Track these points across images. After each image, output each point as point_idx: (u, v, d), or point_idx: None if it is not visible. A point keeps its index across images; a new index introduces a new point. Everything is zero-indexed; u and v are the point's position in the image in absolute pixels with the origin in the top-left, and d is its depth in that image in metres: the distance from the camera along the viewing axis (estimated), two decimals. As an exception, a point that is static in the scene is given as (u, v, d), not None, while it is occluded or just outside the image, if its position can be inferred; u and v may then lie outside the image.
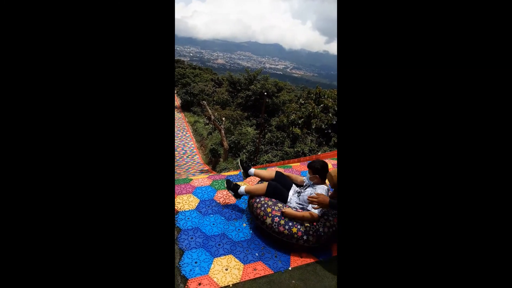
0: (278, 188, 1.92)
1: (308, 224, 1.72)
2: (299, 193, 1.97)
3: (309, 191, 1.89)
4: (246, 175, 2.19)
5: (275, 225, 1.74)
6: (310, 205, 1.75)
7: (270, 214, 1.78)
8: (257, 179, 2.33)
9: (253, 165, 9.25)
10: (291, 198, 1.93)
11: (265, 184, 1.95)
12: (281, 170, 2.26)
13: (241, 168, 2.21)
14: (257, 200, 1.89)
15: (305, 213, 1.74)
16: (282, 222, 1.73)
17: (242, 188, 2.01)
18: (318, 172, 1.87)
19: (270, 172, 2.10)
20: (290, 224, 1.72)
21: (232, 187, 2.04)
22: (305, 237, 1.70)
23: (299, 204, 1.89)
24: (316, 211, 1.72)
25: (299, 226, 1.71)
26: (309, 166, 1.92)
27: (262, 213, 1.81)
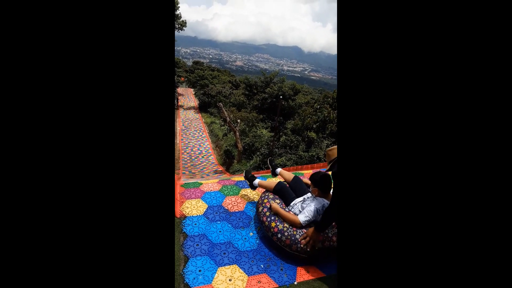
0: (285, 189, 2.01)
1: (287, 226, 1.73)
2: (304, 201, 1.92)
3: (307, 202, 1.84)
4: (274, 174, 2.37)
5: (261, 214, 1.87)
6: (301, 215, 1.75)
7: (263, 204, 1.92)
8: None
9: (267, 168, 9.20)
10: (295, 204, 1.90)
11: (275, 181, 2.08)
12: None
13: (270, 166, 2.40)
14: (264, 193, 2.05)
15: (290, 214, 1.76)
16: (268, 213, 1.83)
17: (256, 181, 2.20)
18: (317, 185, 1.79)
19: (290, 175, 2.23)
20: (273, 218, 1.79)
21: (249, 177, 2.24)
22: (279, 235, 1.72)
23: (301, 212, 1.83)
24: (301, 219, 1.71)
25: (278, 223, 1.75)
26: (310, 178, 1.85)
27: (259, 201, 1.98)
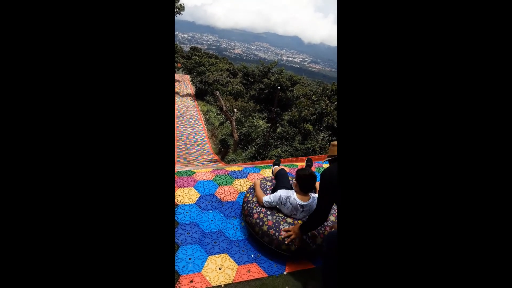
0: (282, 176, 2.05)
1: (254, 200, 1.88)
2: None
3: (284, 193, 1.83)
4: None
5: (248, 191, 2.03)
6: (266, 196, 1.83)
7: (250, 190, 2.05)
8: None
9: (262, 159, 9.22)
10: (278, 192, 1.90)
11: (279, 168, 2.25)
12: (286, 168, 2.43)
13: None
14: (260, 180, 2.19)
15: (261, 193, 1.90)
16: (249, 196, 1.96)
17: (274, 167, 2.34)
18: (297, 179, 1.74)
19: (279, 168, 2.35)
20: (249, 193, 1.97)
21: (279, 163, 2.45)
22: (245, 205, 1.90)
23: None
24: (264, 199, 1.80)
25: (250, 197, 1.92)
26: (296, 171, 1.81)
27: (250, 186, 2.13)
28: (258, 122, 12.73)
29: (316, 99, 9.23)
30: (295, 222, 1.69)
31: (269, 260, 1.67)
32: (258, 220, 1.72)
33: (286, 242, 1.62)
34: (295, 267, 1.66)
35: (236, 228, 1.89)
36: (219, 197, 2.19)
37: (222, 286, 1.46)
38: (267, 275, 1.57)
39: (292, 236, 1.61)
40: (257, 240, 1.78)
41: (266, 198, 1.78)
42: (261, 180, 2.10)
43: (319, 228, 1.69)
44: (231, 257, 1.65)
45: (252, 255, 1.69)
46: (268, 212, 1.75)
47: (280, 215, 1.74)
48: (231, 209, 2.09)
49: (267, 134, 9.92)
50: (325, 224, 1.73)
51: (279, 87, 10.81)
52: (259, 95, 15.21)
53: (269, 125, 10.55)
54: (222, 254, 1.65)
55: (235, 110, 11.50)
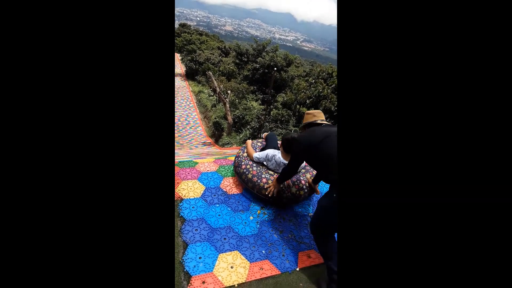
0: (272, 138, 2.38)
1: (244, 155, 2.20)
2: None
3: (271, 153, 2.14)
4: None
5: (240, 149, 2.34)
6: (256, 153, 2.16)
7: (243, 148, 2.35)
8: None
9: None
10: (265, 151, 2.18)
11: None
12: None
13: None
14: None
15: (252, 150, 2.22)
16: (242, 149, 2.33)
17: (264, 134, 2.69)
18: (282, 142, 2.01)
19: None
20: (241, 150, 2.29)
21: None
22: (236, 159, 2.21)
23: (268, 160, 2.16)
24: (254, 155, 2.14)
25: (241, 153, 2.24)
26: (282, 136, 2.11)
27: (241, 147, 2.42)
28: (252, 104, 12.46)
29: (313, 81, 9.02)
30: (274, 173, 2.01)
31: (281, 256, 1.63)
32: (245, 170, 2.06)
33: (268, 194, 1.90)
34: (307, 262, 1.62)
35: (245, 223, 1.83)
36: (224, 190, 2.10)
37: (236, 286, 1.41)
38: (280, 272, 1.53)
39: (271, 188, 1.89)
40: (266, 236, 1.73)
41: (256, 154, 2.13)
42: (252, 141, 2.44)
43: (294, 180, 1.96)
44: (242, 254, 1.59)
45: (264, 251, 1.64)
46: (254, 164, 2.09)
47: (263, 167, 2.08)
48: (238, 202, 2.01)
49: (262, 117, 9.74)
50: (301, 179, 1.99)
51: (275, 68, 10.47)
52: (252, 76, 14.72)
53: (263, 107, 10.34)
54: (232, 252, 1.59)
55: (229, 91, 11.16)
